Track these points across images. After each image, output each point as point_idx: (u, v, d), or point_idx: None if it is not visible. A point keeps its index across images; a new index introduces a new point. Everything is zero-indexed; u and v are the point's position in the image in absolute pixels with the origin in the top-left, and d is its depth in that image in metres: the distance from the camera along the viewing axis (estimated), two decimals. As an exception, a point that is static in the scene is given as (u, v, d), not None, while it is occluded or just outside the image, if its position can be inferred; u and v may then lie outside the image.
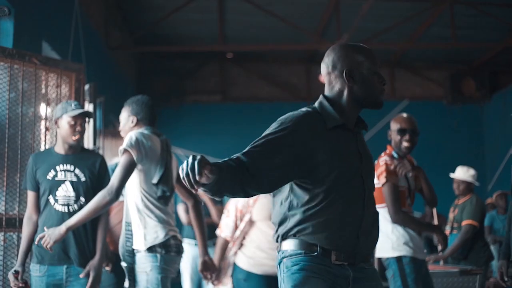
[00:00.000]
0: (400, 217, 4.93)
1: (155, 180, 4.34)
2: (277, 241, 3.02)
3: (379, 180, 5.03)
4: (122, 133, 4.65)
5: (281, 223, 2.97)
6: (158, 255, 4.25)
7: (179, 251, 4.39)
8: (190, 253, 8.12)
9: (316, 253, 2.90)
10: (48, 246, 4.17)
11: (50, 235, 4.18)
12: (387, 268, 4.99)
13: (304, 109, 3.00)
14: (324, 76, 3.11)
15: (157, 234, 4.29)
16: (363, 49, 3.07)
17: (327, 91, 3.08)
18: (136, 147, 4.28)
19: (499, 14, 10.11)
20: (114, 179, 4.19)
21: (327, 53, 3.10)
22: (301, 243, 2.92)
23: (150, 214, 4.32)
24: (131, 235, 4.38)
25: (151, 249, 4.27)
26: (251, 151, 2.79)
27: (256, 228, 5.17)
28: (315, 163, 2.88)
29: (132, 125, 4.54)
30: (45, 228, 4.27)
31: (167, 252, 4.30)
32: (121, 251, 4.42)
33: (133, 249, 4.35)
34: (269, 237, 5.08)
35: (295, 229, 2.92)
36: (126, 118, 4.58)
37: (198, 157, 2.50)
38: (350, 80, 3.01)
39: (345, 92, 3.03)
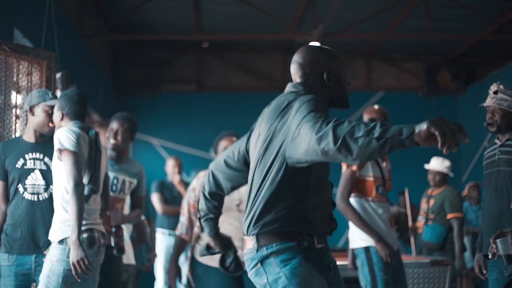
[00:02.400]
0: (341, 205, 5.11)
1: (85, 180, 4.28)
2: (248, 233, 2.99)
3: (343, 167, 5.17)
4: (56, 128, 4.60)
5: (264, 210, 2.93)
6: (67, 248, 4.17)
7: (93, 243, 4.30)
8: (164, 242, 8.12)
9: (303, 241, 2.92)
10: (84, 267, 4.01)
11: (73, 259, 4.02)
12: (356, 258, 5.14)
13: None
14: (300, 76, 3.14)
15: (69, 227, 4.24)
16: (334, 52, 3.18)
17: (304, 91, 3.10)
18: (68, 142, 4.18)
19: (475, 6, 10.12)
20: (73, 174, 4.10)
21: (304, 53, 3.15)
22: (286, 234, 2.92)
23: (68, 208, 4.25)
24: None
25: (62, 241, 4.20)
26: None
27: None
28: None
29: (58, 120, 4.47)
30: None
31: None
32: None
33: None
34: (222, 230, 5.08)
35: (280, 218, 2.91)
36: (55, 112, 4.51)
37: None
38: (329, 82, 3.10)
39: (323, 93, 3.09)
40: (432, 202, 7.95)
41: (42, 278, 4.19)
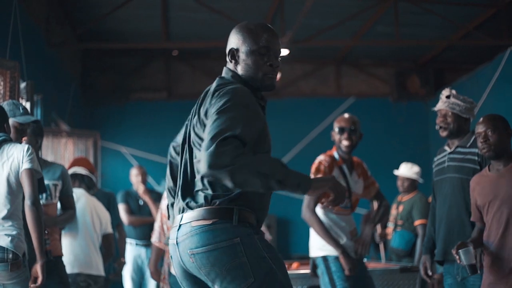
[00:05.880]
0: (307, 215, 5.13)
1: None
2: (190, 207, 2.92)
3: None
4: None
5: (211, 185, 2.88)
6: None
7: None
8: (131, 252, 8.03)
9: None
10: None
11: None
12: (317, 267, 5.18)
13: (238, 85, 2.90)
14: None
15: None
16: (252, 27, 2.98)
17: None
18: None
19: (442, 12, 10.21)
20: None
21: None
22: (230, 211, 2.85)
23: None
24: None
25: None
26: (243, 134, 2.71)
27: None
28: (265, 134, 2.90)
29: None
30: None
31: None
32: None
33: None
34: None
35: (226, 196, 2.85)
36: None
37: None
38: (232, 61, 3.00)
39: (237, 74, 3.00)
40: (401, 208, 7.94)
41: None
